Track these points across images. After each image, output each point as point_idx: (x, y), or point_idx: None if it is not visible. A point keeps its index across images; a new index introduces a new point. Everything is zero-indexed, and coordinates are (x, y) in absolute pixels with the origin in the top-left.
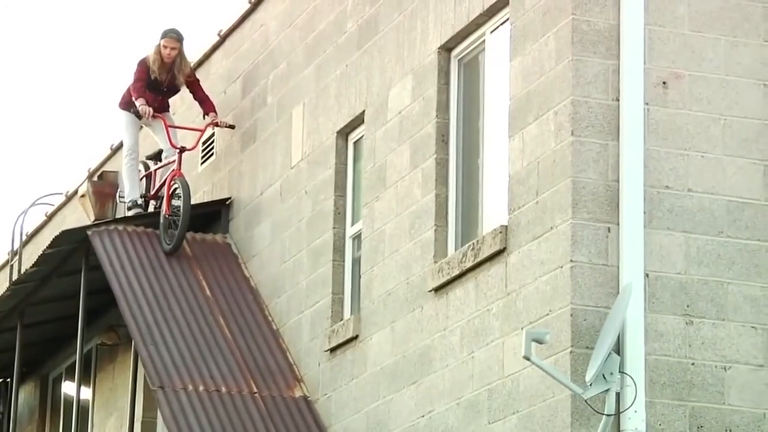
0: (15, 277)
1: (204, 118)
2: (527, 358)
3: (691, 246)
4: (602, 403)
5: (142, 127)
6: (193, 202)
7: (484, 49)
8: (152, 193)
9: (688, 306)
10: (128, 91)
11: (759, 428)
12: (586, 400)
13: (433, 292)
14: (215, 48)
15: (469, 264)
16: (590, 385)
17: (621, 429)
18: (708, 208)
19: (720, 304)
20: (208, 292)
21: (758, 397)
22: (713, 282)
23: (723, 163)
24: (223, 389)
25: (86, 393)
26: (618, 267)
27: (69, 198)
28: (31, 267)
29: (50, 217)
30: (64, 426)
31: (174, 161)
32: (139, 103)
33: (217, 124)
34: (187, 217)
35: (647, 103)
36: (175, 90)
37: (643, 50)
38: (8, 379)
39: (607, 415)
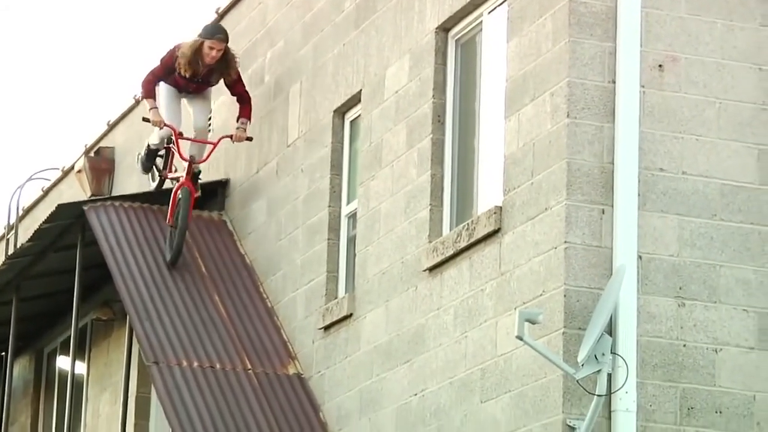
0: (11, 251)
1: (237, 121)
2: (520, 338)
3: (684, 228)
4: (594, 383)
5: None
6: None
7: (481, 30)
8: (169, 172)
9: (680, 288)
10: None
11: (749, 410)
12: (577, 381)
13: (427, 271)
14: None
15: (463, 244)
16: (582, 365)
17: (612, 409)
18: (702, 191)
19: (712, 287)
20: (203, 269)
21: (749, 379)
22: (706, 264)
23: (717, 146)
24: (218, 366)
25: (81, 368)
26: (611, 248)
27: (65, 173)
28: (27, 241)
29: (47, 192)
30: (59, 400)
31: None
32: (150, 106)
33: (231, 138)
34: (184, 230)
35: (643, 86)
36: (209, 83)
37: (640, 33)
38: (3, 353)
39: (599, 396)
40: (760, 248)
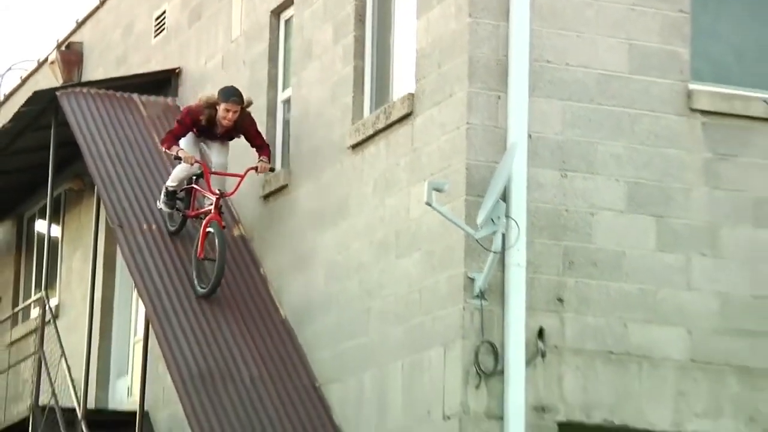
0: None
1: (259, 157)
2: (429, 205)
3: (566, 112)
4: (490, 242)
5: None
6: (147, 70)
7: None
8: (192, 212)
9: (563, 162)
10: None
11: (618, 263)
12: (477, 240)
13: (351, 149)
14: None
15: (381, 125)
16: (481, 227)
17: (506, 263)
18: (582, 80)
19: (590, 161)
20: (160, 146)
21: (619, 238)
22: (585, 142)
23: (596, 41)
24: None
25: (56, 231)
26: (506, 129)
27: (40, 64)
28: (7, 123)
29: (24, 81)
30: (38, 258)
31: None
32: (174, 151)
33: (256, 170)
34: (223, 265)
35: None
36: (229, 138)
37: None
38: None
39: (495, 252)
40: (630, 128)
